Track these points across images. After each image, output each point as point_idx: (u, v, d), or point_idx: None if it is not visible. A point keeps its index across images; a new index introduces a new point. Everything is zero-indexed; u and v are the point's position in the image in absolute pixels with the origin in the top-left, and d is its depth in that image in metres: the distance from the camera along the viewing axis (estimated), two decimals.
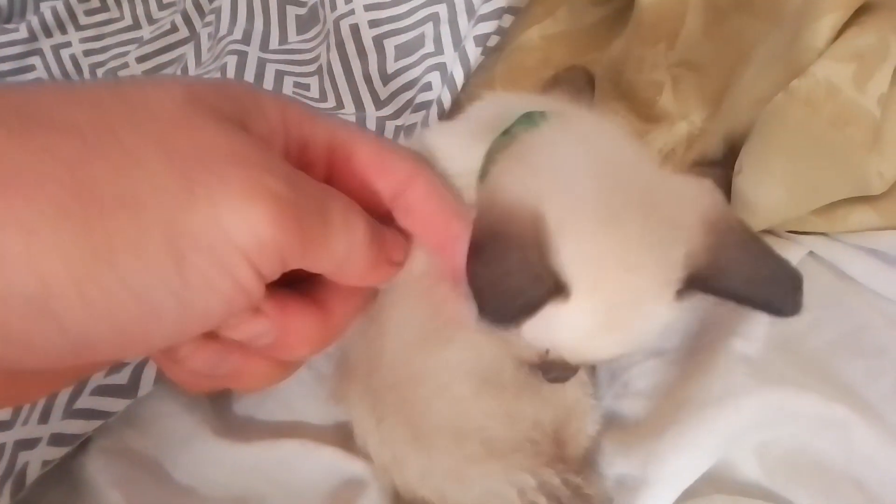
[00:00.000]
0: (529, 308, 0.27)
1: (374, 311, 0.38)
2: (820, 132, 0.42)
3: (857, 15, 0.43)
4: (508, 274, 0.27)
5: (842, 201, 0.47)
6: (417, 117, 0.56)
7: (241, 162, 0.23)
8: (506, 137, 0.34)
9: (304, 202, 0.24)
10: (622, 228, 0.29)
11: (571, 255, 0.28)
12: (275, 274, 0.24)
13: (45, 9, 0.72)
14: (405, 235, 0.30)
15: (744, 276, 0.29)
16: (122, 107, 0.23)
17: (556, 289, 0.28)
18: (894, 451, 0.39)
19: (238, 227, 0.22)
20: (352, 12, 0.62)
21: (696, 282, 0.30)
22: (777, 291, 0.29)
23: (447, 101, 0.55)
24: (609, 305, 0.29)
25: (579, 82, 0.57)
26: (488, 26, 0.55)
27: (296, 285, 0.28)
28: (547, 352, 0.32)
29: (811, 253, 0.47)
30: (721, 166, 0.51)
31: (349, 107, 0.60)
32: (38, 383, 0.28)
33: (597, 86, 0.58)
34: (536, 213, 0.28)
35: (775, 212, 0.46)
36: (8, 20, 0.75)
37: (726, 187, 0.48)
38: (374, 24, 0.62)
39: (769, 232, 0.49)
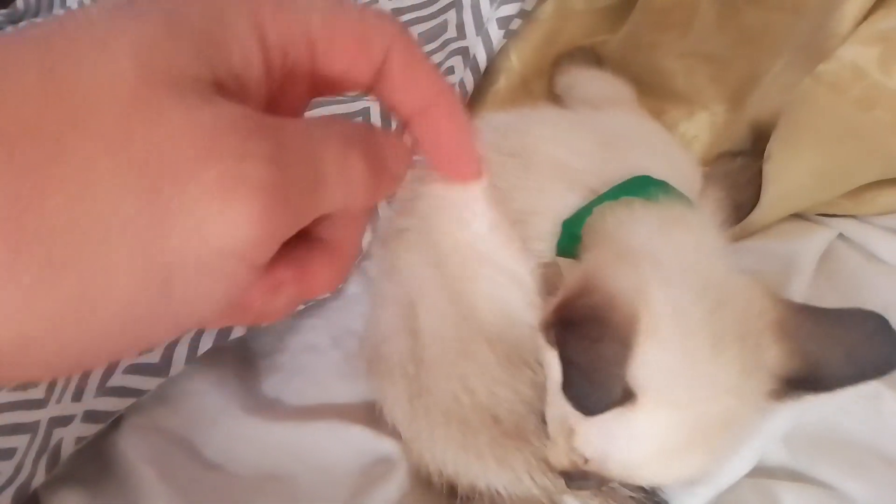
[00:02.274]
0: (606, 404, 0.28)
1: (402, 296, 0.38)
2: (847, 115, 0.43)
3: None
4: (600, 362, 0.28)
5: (871, 183, 0.48)
6: None
7: (213, 154, 0.20)
8: (608, 204, 0.34)
9: (292, 174, 0.22)
10: (721, 354, 0.29)
11: (656, 366, 0.29)
12: (270, 256, 0.23)
13: (72, 4, 0.74)
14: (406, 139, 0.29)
15: (839, 357, 0.29)
16: (63, 104, 0.19)
17: (624, 396, 0.28)
18: None
19: (224, 234, 0.20)
20: (375, 1, 0.63)
21: (799, 385, 0.30)
22: (877, 346, 0.29)
23: (470, 83, 0.56)
24: (693, 425, 0.29)
25: (587, 62, 0.58)
26: (511, 8, 0.56)
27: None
28: (585, 461, 0.32)
29: (840, 235, 0.48)
30: (749, 154, 0.51)
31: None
32: None
33: (607, 67, 0.59)
34: (635, 313, 0.29)
35: (805, 196, 0.47)
36: (36, 14, 0.77)
37: (756, 174, 0.48)
38: (397, 12, 0.63)
39: (799, 215, 0.49)
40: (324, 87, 0.27)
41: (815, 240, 0.47)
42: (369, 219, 0.31)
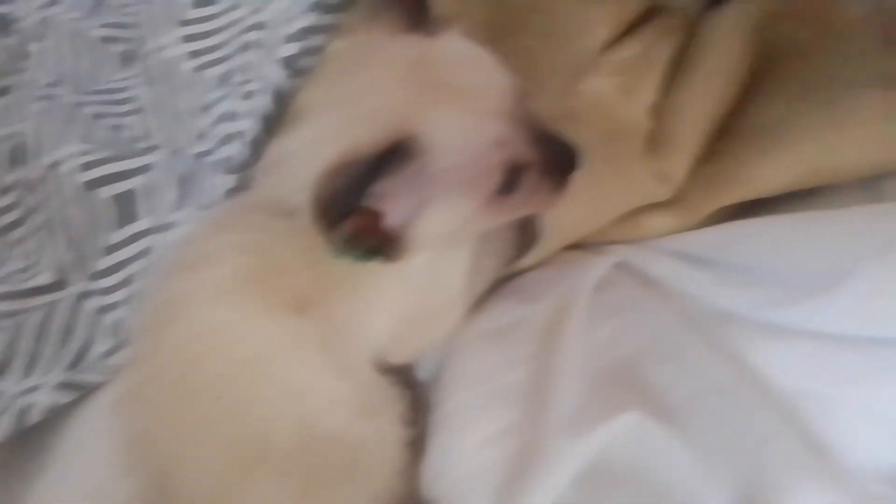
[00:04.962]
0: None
1: None
2: (594, 148, 0.43)
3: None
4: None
5: (643, 208, 0.48)
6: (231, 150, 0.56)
7: None
8: None
9: None
10: None
11: None
12: None
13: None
14: None
15: None
16: None
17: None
18: (685, 453, 0.40)
19: None
20: (170, 45, 0.61)
21: None
22: None
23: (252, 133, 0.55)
24: None
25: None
26: (293, 48, 0.55)
27: None
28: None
29: (619, 262, 0.48)
30: None
31: (168, 144, 0.59)
32: None
33: None
34: None
35: (578, 226, 0.47)
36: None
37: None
38: (194, 55, 0.61)
39: (577, 246, 0.50)
40: None
41: (592, 269, 0.47)
42: None
